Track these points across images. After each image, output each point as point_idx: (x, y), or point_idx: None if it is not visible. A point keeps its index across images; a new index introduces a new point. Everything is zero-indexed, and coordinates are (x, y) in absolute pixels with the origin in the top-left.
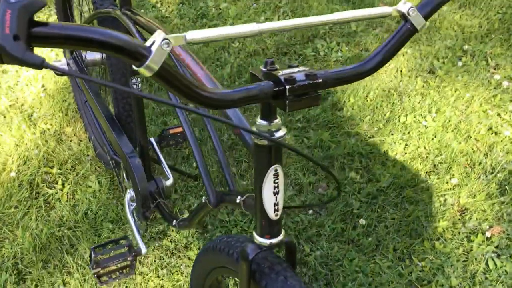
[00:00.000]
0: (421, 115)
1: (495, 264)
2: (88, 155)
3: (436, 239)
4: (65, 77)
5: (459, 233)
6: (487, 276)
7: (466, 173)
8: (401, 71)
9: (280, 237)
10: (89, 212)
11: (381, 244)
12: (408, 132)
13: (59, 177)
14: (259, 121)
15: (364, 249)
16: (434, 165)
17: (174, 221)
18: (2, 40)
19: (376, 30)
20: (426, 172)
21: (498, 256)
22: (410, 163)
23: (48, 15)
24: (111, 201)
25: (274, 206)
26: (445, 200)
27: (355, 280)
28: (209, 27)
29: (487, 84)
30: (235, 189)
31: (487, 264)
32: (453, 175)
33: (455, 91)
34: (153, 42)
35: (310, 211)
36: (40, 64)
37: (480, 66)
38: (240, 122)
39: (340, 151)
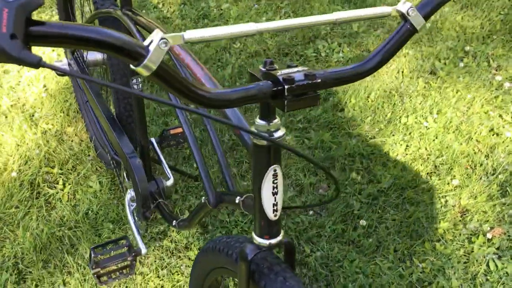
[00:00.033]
0: (422, 116)
1: (496, 266)
2: (89, 155)
3: (437, 240)
4: (66, 78)
5: (460, 234)
6: (488, 277)
7: (467, 174)
8: (402, 72)
9: (279, 238)
10: (89, 212)
11: (381, 245)
12: (409, 133)
13: (60, 177)
14: (258, 121)
15: (365, 250)
16: (435, 166)
17: (174, 221)
18: None
19: (377, 31)
20: (427, 173)
21: (499, 257)
22: (411, 164)
23: (50, 16)
24: (111, 201)
25: (273, 207)
26: (446, 201)
27: (356, 281)
28: None
29: (489, 85)
30: (235, 189)
31: (488, 265)
32: (454, 176)
33: (457, 92)
34: (151, 42)
35: (311, 212)
36: (37, 63)
37: (481, 67)
38: (239, 122)
39: (341, 152)
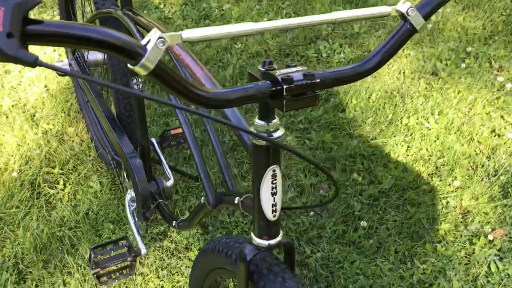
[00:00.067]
0: (423, 117)
1: (497, 268)
2: (90, 155)
3: (438, 241)
4: (67, 78)
5: (461, 235)
6: (489, 279)
7: (468, 176)
8: (403, 72)
9: (278, 238)
10: (90, 212)
11: (382, 246)
12: (411, 134)
13: (61, 177)
14: (257, 121)
15: (365, 251)
16: (437, 167)
17: (174, 221)
18: None
19: (379, 31)
20: (428, 174)
21: (501, 259)
22: (412, 165)
23: (51, 16)
24: (112, 202)
25: (272, 207)
26: (447, 202)
27: (356, 283)
28: None
29: (491, 86)
30: (234, 190)
31: (489, 267)
32: (456, 177)
33: (458, 93)
34: (149, 41)
35: (312, 213)
36: (33, 62)
37: (483, 68)
38: (239, 122)
39: (342, 152)
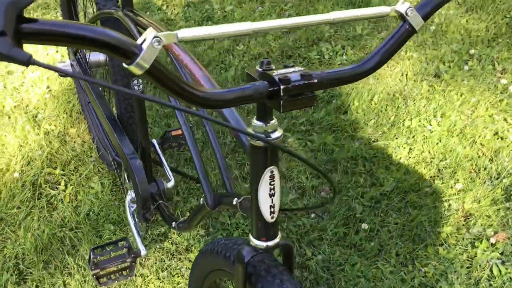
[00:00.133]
0: (426, 119)
1: (500, 271)
2: (91, 156)
3: (439, 244)
4: (69, 79)
5: (463, 238)
6: (492, 283)
7: (471, 178)
8: (406, 74)
9: (277, 240)
10: (91, 213)
11: (383, 249)
12: (413, 136)
13: (62, 178)
14: (255, 122)
15: (367, 254)
16: (439, 170)
17: (174, 223)
18: None
19: (381, 33)
20: (431, 177)
21: (503, 262)
22: (414, 167)
23: (54, 17)
24: (113, 203)
25: (270, 208)
26: (449, 205)
27: (357, 285)
28: None
29: (494, 89)
30: (233, 191)
31: (491, 270)
32: (458, 180)
33: (461, 96)
34: (144, 40)
35: (313, 215)
36: (27, 61)
37: (486, 71)
38: (237, 123)
39: (344, 154)
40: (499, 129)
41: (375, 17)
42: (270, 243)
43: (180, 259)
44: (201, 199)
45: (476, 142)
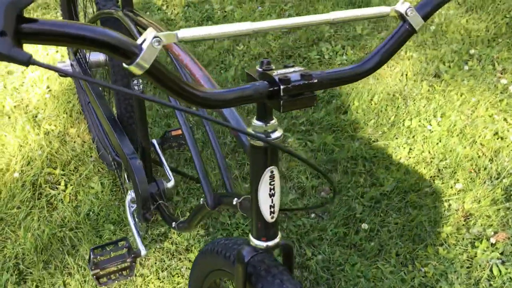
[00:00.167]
0: (426, 119)
1: (500, 271)
2: (91, 156)
3: (439, 244)
4: (69, 79)
5: (463, 238)
6: (492, 283)
7: (471, 178)
8: (406, 74)
9: (277, 240)
10: (91, 213)
11: (383, 249)
12: (413, 136)
13: (62, 178)
14: (255, 122)
15: (367, 254)
16: (439, 170)
17: (174, 223)
18: None
19: (381, 33)
20: (431, 177)
21: (503, 262)
22: (414, 167)
23: (54, 17)
24: (113, 203)
25: (270, 208)
26: (449, 205)
27: (357, 285)
28: None
29: (494, 89)
30: (233, 191)
31: (491, 270)
32: (458, 180)
33: (461, 96)
34: (144, 40)
35: (313, 215)
36: (27, 61)
37: (486, 71)
38: (237, 123)
39: (344, 154)
40: (499, 129)
41: (375, 17)
42: (270, 243)
43: (180, 259)
44: (201, 199)
45: (476, 142)
